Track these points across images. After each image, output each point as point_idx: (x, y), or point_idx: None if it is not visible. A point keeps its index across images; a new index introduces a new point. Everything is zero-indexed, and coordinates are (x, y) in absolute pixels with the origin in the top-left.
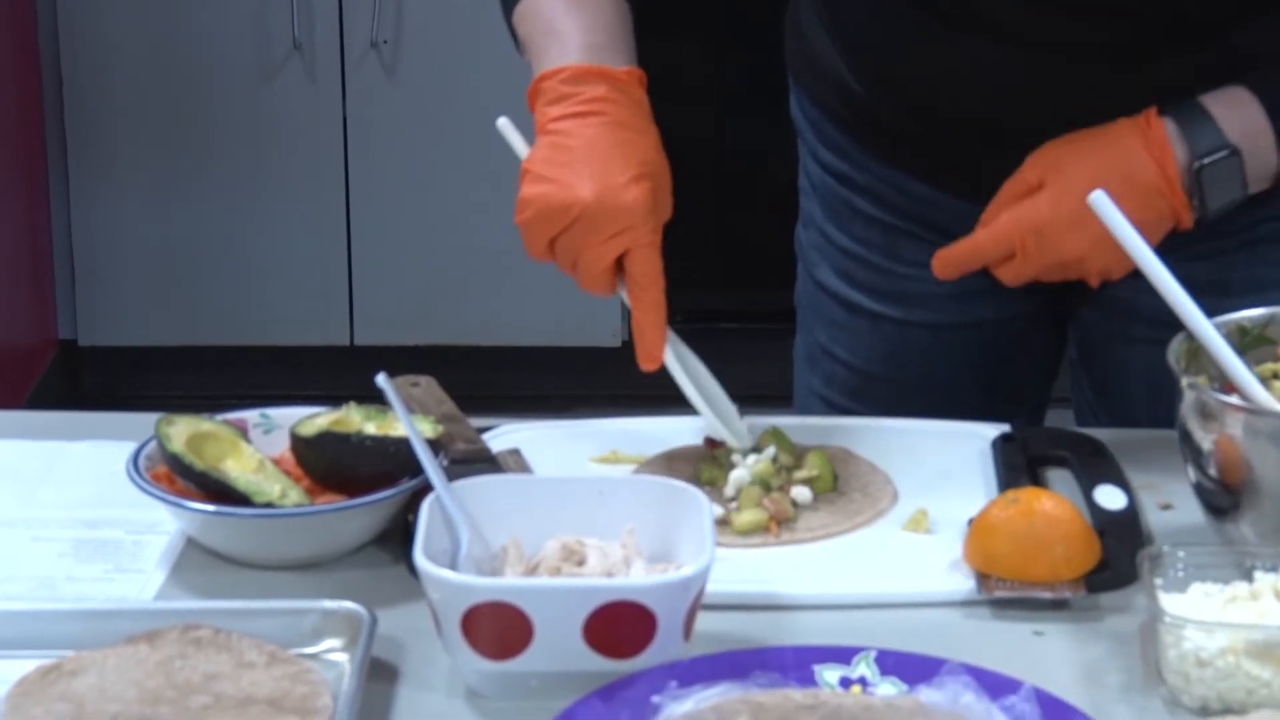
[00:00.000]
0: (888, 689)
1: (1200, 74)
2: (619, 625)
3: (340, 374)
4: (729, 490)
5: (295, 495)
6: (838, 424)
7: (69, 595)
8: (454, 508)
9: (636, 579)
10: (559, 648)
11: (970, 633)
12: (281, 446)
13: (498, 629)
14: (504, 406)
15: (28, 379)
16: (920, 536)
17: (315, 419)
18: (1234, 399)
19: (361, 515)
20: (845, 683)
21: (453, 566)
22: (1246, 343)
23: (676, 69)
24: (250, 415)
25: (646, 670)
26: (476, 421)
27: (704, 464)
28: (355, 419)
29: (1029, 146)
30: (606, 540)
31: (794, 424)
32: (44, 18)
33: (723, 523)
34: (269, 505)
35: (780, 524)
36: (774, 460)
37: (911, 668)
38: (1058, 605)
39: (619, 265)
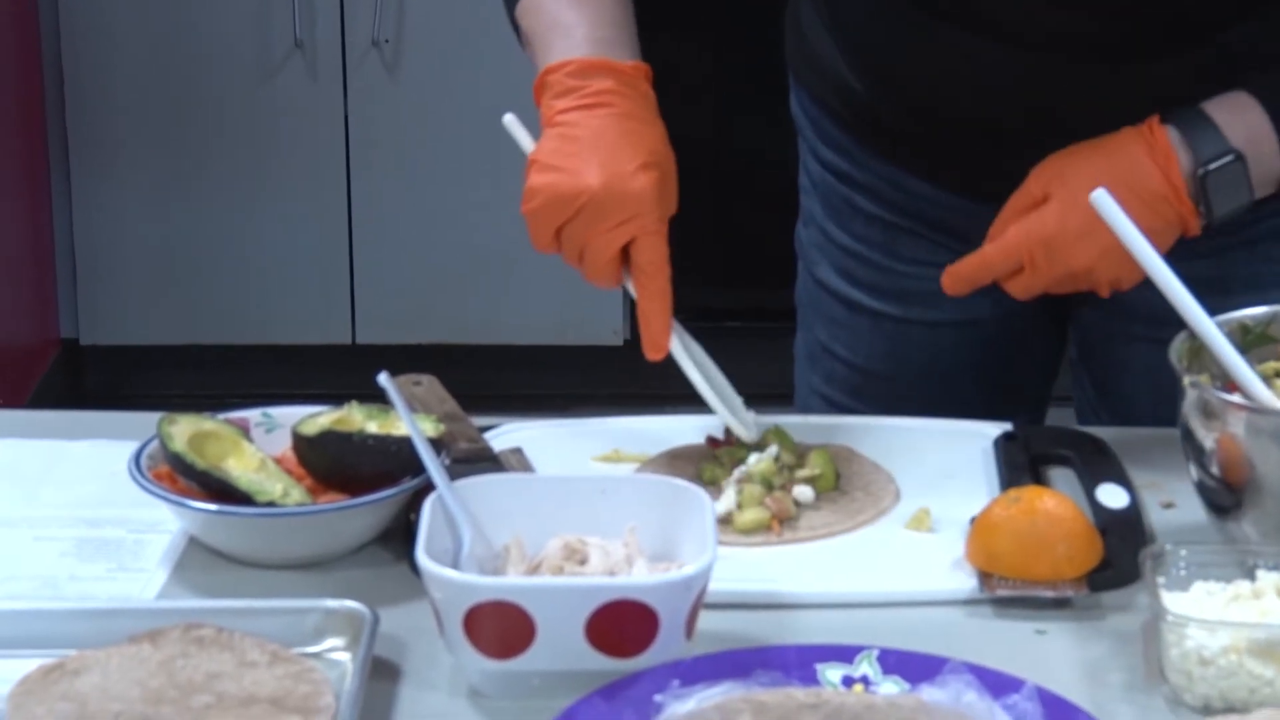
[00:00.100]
0: (890, 688)
1: (1199, 73)
2: (621, 624)
3: (342, 373)
4: (727, 493)
5: (297, 494)
6: (840, 423)
7: (71, 594)
8: (456, 507)
9: (639, 578)
10: (561, 647)
11: (972, 631)
12: (283, 445)
13: (500, 628)
14: (506, 405)
15: (29, 378)
16: (922, 535)
17: (317, 418)
18: (1236, 398)
19: (363, 514)
20: (848, 681)
21: (455, 565)
22: (1249, 341)
23: (677, 67)
24: (252, 414)
25: (649, 669)
26: (478, 420)
27: (706, 463)
28: (357, 418)
29: (1028, 146)
30: (609, 539)
31: (796, 422)
32: (46, 16)
33: (725, 521)
34: (271, 504)
35: (782, 523)
36: (776, 459)
37: (914, 666)
38: (1060, 604)
39: (624, 255)
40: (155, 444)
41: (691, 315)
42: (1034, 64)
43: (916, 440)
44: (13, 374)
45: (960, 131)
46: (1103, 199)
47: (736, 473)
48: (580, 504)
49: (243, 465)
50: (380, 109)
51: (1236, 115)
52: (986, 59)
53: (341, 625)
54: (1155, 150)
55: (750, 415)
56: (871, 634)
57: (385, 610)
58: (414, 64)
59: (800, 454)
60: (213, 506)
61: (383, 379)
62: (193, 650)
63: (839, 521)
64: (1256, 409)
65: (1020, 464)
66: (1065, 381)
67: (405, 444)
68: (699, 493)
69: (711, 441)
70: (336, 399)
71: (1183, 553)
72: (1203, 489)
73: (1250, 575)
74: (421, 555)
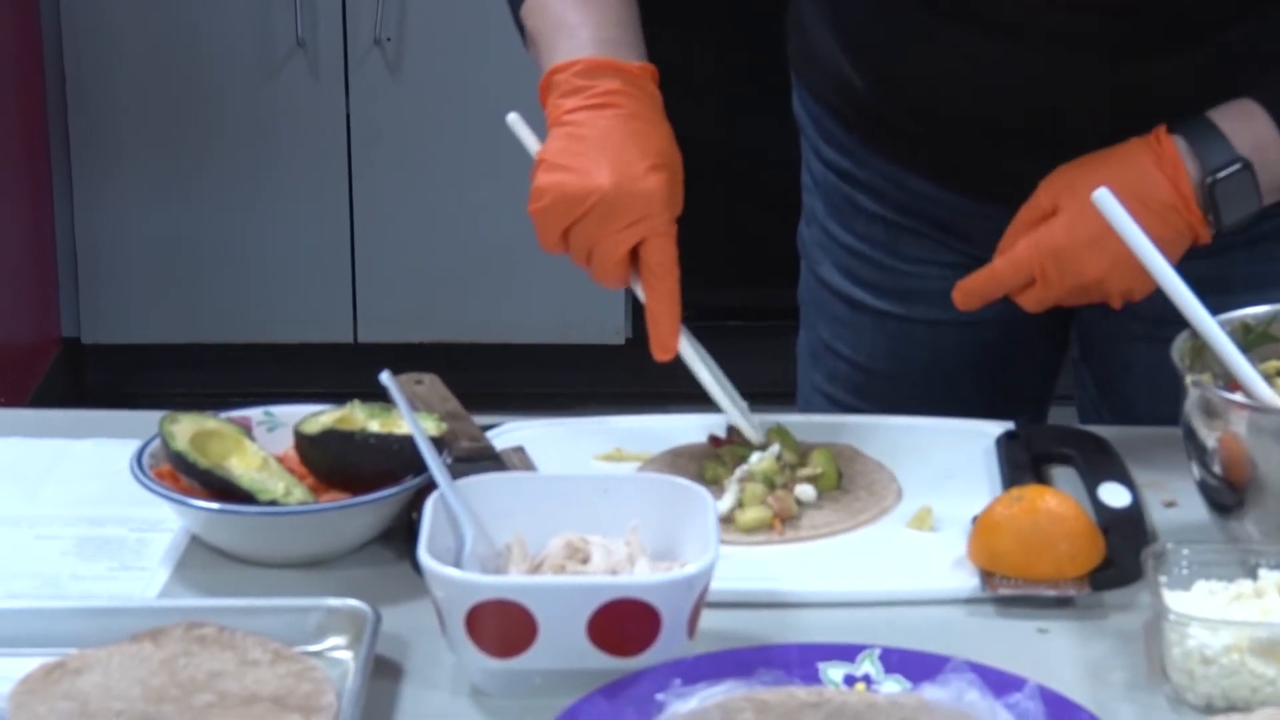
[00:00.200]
0: (892, 687)
1: (1199, 73)
2: (623, 623)
3: (344, 372)
4: (730, 491)
5: (299, 493)
6: (842, 421)
7: (73, 593)
8: (458, 505)
9: (641, 577)
10: (563, 645)
11: (974, 630)
12: (285, 444)
13: (502, 627)
14: (508, 404)
15: (31, 377)
16: (924, 534)
17: (319, 417)
18: (1238, 396)
19: (365, 513)
20: (850, 680)
21: (457, 564)
22: (1251, 340)
23: (679, 66)
24: (254, 413)
25: (651, 668)
26: (480, 419)
27: (708, 462)
28: (359, 417)
29: (1029, 145)
30: (611, 538)
31: (798, 421)
32: (47, 15)
33: (727, 520)
34: (273, 503)
35: (784, 522)
36: (778, 458)
37: (916, 665)
38: (1062, 603)
39: (632, 256)
40: (157, 443)
41: (693, 314)
42: (1034, 63)
43: (918, 439)
44: (14, 373)
45: (960, 130)
46: (1105, 198)
47: (738, 471)
48: (582, 503)
49: (245, 464)
50: (382, 108)
51: (1243, 123)
52: (987, 58)
53: (343, 624)
54: (1163, 160)
55: (755, 419)
56: (873, 633)
57: (387, 609)
58: (416, 63)
59: (802, 453)
60: (215, 505)
61: (385, 378)
62: (194, 649)
63: (841, 520)
64: (1258, 408)
65: (1022, 463)
66: (1067, 380)
67: (407, 443)
68: (701, 492)
69: (713, 440)
70: (338, 398)
71: (1185, 552)
72: (1205, 488)
73: (1252, 574)
74: (423, 554)
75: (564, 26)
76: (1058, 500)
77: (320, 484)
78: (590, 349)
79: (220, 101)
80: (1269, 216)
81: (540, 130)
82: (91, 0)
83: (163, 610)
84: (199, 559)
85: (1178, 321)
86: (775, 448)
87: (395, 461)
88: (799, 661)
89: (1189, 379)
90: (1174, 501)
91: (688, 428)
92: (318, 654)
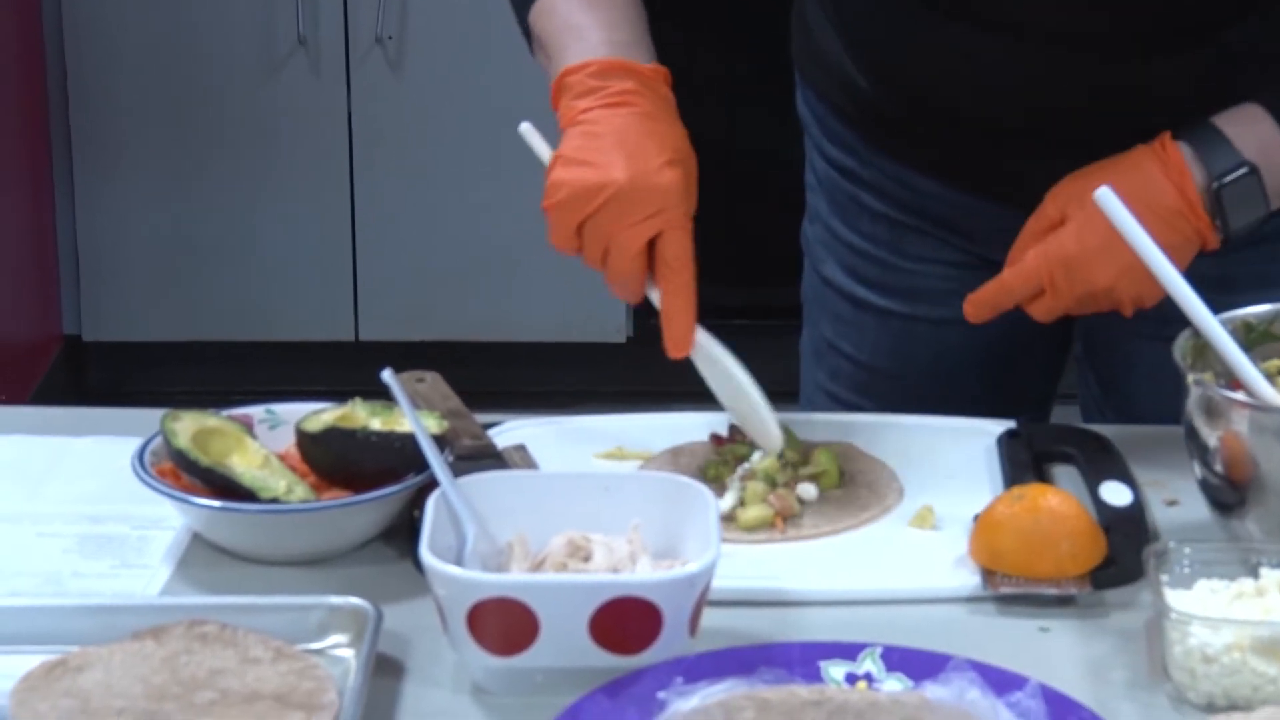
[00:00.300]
0: (893, 685)
1: (1199, 72)
2: (625, 621)
3: (345, 370)
4: (731, 490)
5: (301, 491)
6: (844, 420)
7: (74, 591)
8: (459, 503)
9: (642, 575)
10: (565, 644)
11: (976, 629)
12: (287, 442)
13: (503, 625)
14: (509, 402)
15: (32, 375)
16: (926, 533)
17: (321, 415)
18: (1240, 395)
19: (367, 511)
20: (851, 679)
21: (458, 562)
22: (1252, 339)
23: (683, 65)
24: (256, 411)
25: (652, 666)
26: (482, 417)
27: (710, 460)
28: (361, 415)
29: (1029, 145)
30: (612, 536)
31: (801, 420)
32: (49, 13)
33: (728, 519)
34: (275, 501)
35: (786, 520)
36: (780, 456)
37: (917, 664)
38: (1063, 601)
39: (648, 255)
40: (159, 440)
41: (697, 312)
42: (1034, 63)
43: (920, 438)
44: (15, 370)
45: (961, 130)
46: (1106, 196)
47: (740, 470)
48: (584, 501)
49: (246, 462)
50: (383, 106)
51: (1247, 127)
52: (987, 58)
53: (345, 622)
54: (1169, 167)
55: (774, 419)
56: (875, 631)
57: (389, 607)
58: (417, 61)
59: (804, 451)
60: (216, 503)
61: (386, 376)
62: (196, 647)
63: (843, 519)
64: (1260, 407)
65: (1024, 461)
66: (1070, 379)
67: (409, 441)
68: (703, 490)
69: (715, 439)
70: (340, 396)
71: (1186, 550)
72: (1206, 487)
73: (1254, 573)
74: (425, 552)
75: (574, 29)
76: (1059, 499)
77: (322, 482)
78: (591, 347)
79: (221, 99)
80: (1275, 216)
81: (552, 138)
82: None
83: (164, 608)
84: (200, 557)
85: (1181, 320)
86: None
87: (397, 459)
88: (801, 660)
89: (1191, 378)
90: (1175, 500)
91: (689, 426)
92: (319, 652)
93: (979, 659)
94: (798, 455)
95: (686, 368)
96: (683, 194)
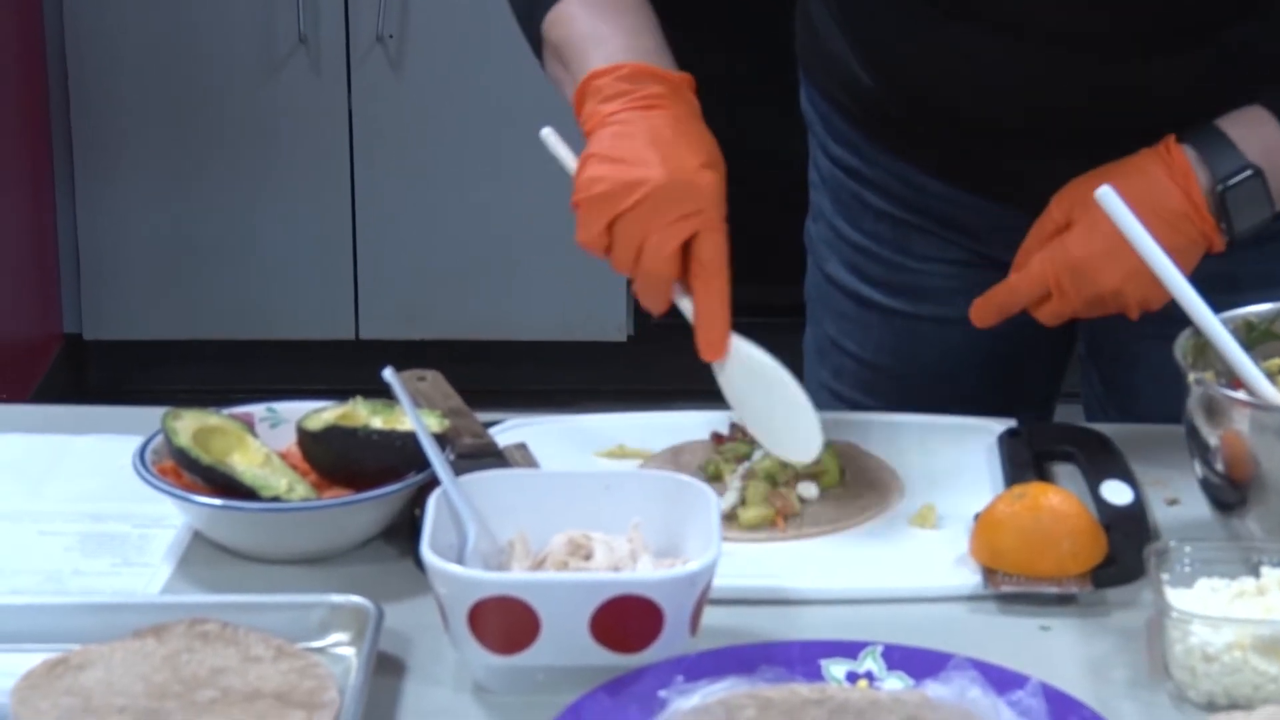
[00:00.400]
0: (894, 684)
1: (1200, 72)
2: (626, 620)
3: (346, 368)
4: (732, 488)
5: (302, 489)
6: (845, 419)
7: (75, 589)
8: (460, 502)
9: (643, 573)
10: (566, 642)
11: (977, 627)
12: (288, 441)
13: (504, 623)
14: (510, 401)
15: (33, 373)
16: (927, 531)
17: (322, 413)
18: (1241, 394)
19: (368, 510)
20: (852, 677)
21: (459, 561)
22: (1253, 338)
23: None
24: (257, 409)
25: (653, 665)
26: (483, 416)
27: (711, 458)
28: (362, 413)
29: (1029, 145)
30: (613, 535)
31: None
32: (50, 13)
33: (729, 517)
34: (276, 499)
35: (787, 518)
36: None
37: (918, 662)
38: (1064, 600)
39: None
40: (160, 439)
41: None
42: (1034, 63)
43: (921, 436)
44: (16, 369)
45: (962, 129)
46: (1107, 196)
47: (741, 468)
48: (585, 499)
49: (247, 460)
50: (384, 105)
51: (1251, 130)
52: (987, 57)
53: (346, 620)
54: (1174, 170)
55: (817, 428)
56: (876, 630)
57: (390, 605)
58: (418, 60)
59: None
60: (217, 501)
61: (388, 374)
62: (197, 645)
63: (843, 517)
64: (1261, 406)
65: (1024, 460)
66: (1074, 378)
67: (410, 439)
68: (703, 488)
69: (716, 437)
70: (341, 394)
71: (1187, 549)
72: (1207, 486)
73: (1255, 572)
74: (426, 550)
75: (595, 36)
76: (1060, 498)
77: (323, 480)
78: (592, 346)
79: (222, 98)
80: (1279, 217)
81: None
82: None
83: (165, 606)
84: (201, 555)
85: (1184, 320)
86: None
87: (398, 458)
88: (801, 658)
89: (1192, 377)
90: (1176, 499)
91: (690, 424)
92: (320, 650)
93: (980, 658)
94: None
95: (687, 367)
96: (719, 197)
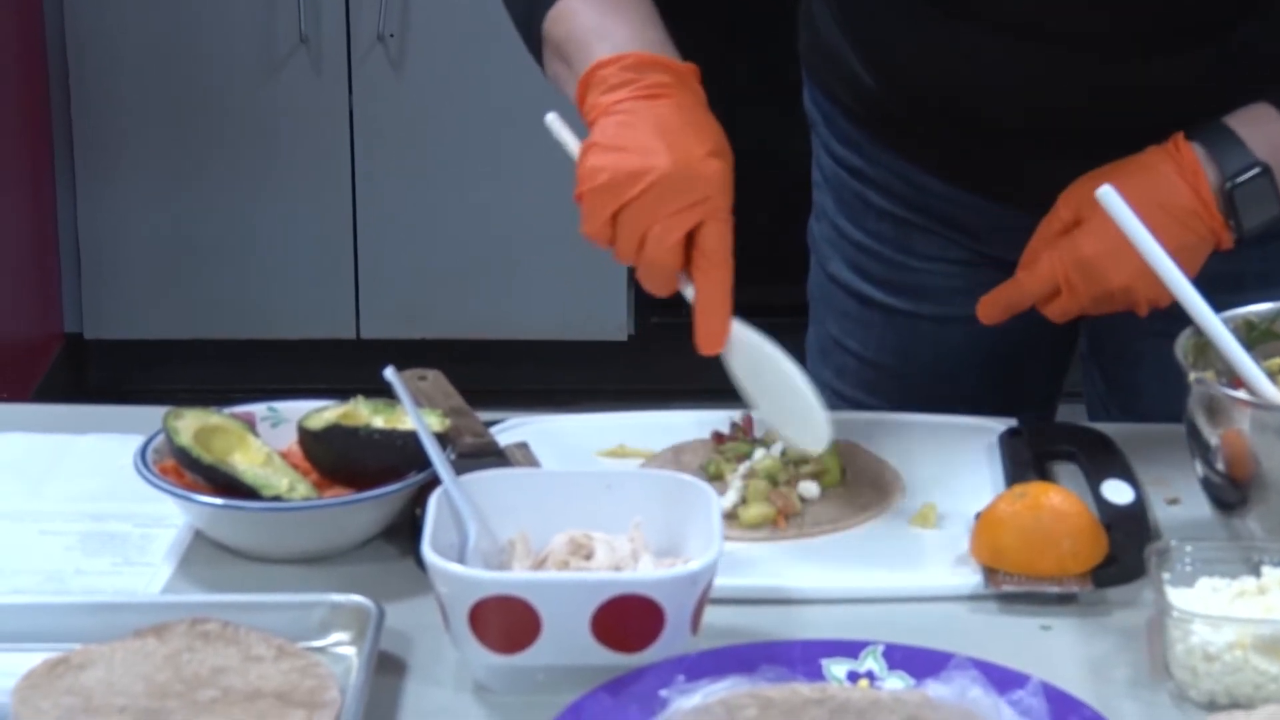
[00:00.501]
0: (895, 683)
1: (1199, 72)
2: (627, 619)
3: (347, 368)
4: (733, 488)
5: (303, 489)
6: (846, 418)
7: (76, 588)
8: (461, 501)
9: (644, 573)
10: (566, 642)
11: (977, 627)
12: (289, 440)
13: (505, 623)
14: (511, 400)
15: (34, 373)
16: (927, 531)
17: (323, 412)
18: (1241, 394)
19: (369, 509)
20: (853, 677)
21: (460, 560)
22: (1254, 337)
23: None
24: (258, 409)
25: (654, 664)
26: (484, 415)
27: (711, 458)
28: (363, 412)
29: (1030, 144)
30: (614, 534)
31: None
32: (50, 12)
33: (730, 517)
34: (277, 499)
35: (787, 518)
36: (782, 454)
37: (919, 662)
38: (1065, 600)
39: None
40: (161, 438)
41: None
42: (1035, 63)
43: (922, 436)
44: (17, 368)
45: (963, 129)
46: (1108, 194)
47: (742, 468)
48: (585, 499)
49: (248, 460)
50: (385, 104)
51: (1259, 128)
52: (987, 57)
53: (347, 620)
54: (1183, 167)
55: (823, 415)
56: (877, 629)
57: (391, 605)
58: (419, 59)
59: None
60: (219, 501)
61: (389, 373)
62: (198, 644)
63: (844, 517)
64: (1262, 405)
65: (1025, 460)
66: (1075, 377)
67: (411, 439)
68: (704, 488)
69: (717, 436)
70: (341, 394)
71: (1188, 549)
72: (1208, 485)
73: (1255, 571)
74: (427, 550)
75: (598, 30)
76: (1061, 497)
77: (324, 480)
78: (593, 345)
79: (223, 98)
80: None
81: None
82: None
83: (166, 606)
84: (202, 554)
85: (1186, 319)
86: (779, 444)
87: (399, 457)
88: (802, 658)
89: (1192, 376)
90: (1177, 498)
91: (691, 424)
92: (321, 650)
93: (981, 657)
94: (800, 453)
95: (687, 367)
96: (726, 186)
